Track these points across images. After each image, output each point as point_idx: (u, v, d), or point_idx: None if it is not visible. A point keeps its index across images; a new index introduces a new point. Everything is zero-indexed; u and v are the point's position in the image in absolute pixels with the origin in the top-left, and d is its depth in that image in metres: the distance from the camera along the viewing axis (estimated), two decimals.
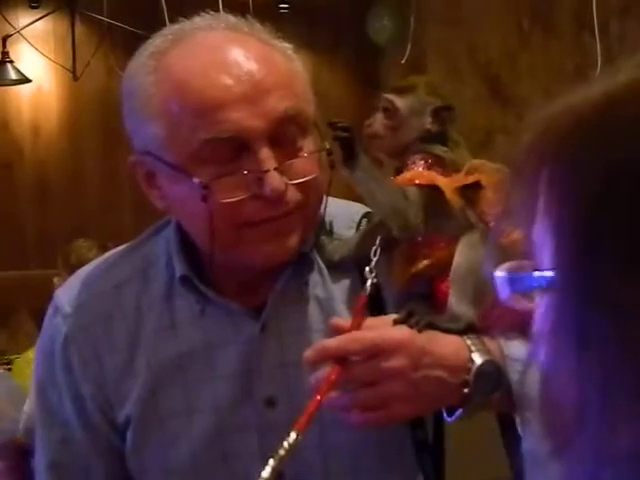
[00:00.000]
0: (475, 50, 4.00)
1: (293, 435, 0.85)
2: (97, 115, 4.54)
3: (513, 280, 0.47)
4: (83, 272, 1.11)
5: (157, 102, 0.95)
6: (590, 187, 0.42)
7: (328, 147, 0.97)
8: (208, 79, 0.93)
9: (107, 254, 1.13)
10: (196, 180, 0.93)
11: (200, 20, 1.00)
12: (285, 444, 0.84)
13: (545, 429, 0.46)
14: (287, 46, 1.00)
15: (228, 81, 0.93)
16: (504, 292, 0.48)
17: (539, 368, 0.46)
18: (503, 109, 3.93)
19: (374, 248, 0.99)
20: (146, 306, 1.05)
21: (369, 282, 0.97)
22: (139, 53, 0.98)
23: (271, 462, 0.83)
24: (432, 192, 0.98)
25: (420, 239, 0.98)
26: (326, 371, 0.89)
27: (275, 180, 0.93)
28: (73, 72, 4.49)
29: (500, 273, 0.48)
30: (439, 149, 1.01)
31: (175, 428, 1.03)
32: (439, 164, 1.00)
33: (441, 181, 0.98)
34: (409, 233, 0.98)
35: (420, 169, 1.00)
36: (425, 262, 0.97)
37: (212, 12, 1.01)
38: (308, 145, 0.97)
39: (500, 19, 3.86)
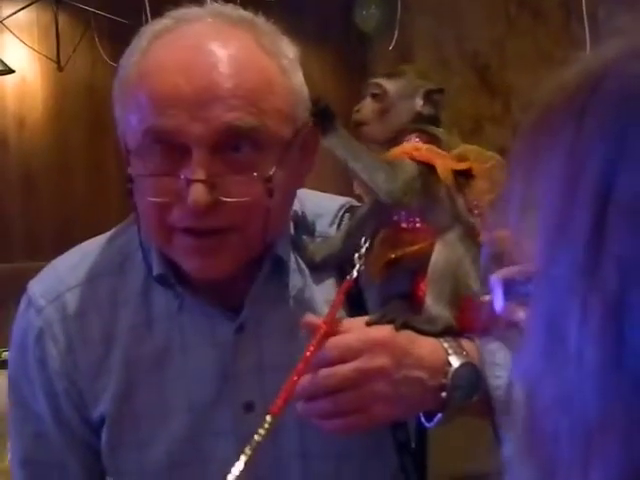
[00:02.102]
0: (463, 38, 3.98)
1: (268, 419, 0.83)
2: (82, 105, 4.51)
3: (509, 287, 0.45)
4: (57, 263, 1.08)
5: (130, 85, 0.94)
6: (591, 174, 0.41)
7: (272, 173, 0.91)
8: (163, 75, 0.91)
9: (82, 244, 1.10)
10: (129, 172, 0.92)
11: (202, 9, 0.97)
12: (261, 431, 0.83)
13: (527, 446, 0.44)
14: (290, 57, 0.96)
15: (179, 80, 0.90)
16: (498, 301, 0.46)
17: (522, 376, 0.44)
18: (491, 97, 3.91)
19: (364, 237, 0.97)
20: (122, 300, 1.03)
21: (357, 267, 0.95)
22: (142, 32, 0.97)
23: (247, 450, 0.82)
24: (426, 170, 0.95)
25: (404, 225, 0.95)
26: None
27: (197, 192, 0.89)
28: (57, 62, 4.45)
29: (496, 280, 0.46)
30: (435, 129, 0.98)
31: (151, 428, 1.01)
32: (435, 144, 0.97)
33: (438, 161, 0.95)
34: (396, 198, 0.94)
35: (417, 143, 0.96)
36: (405, 249, 0.95)
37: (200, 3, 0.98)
38: (261, 164, 0.92)
39: (488, 7, 3.84)
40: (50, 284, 1.05)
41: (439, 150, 0.96)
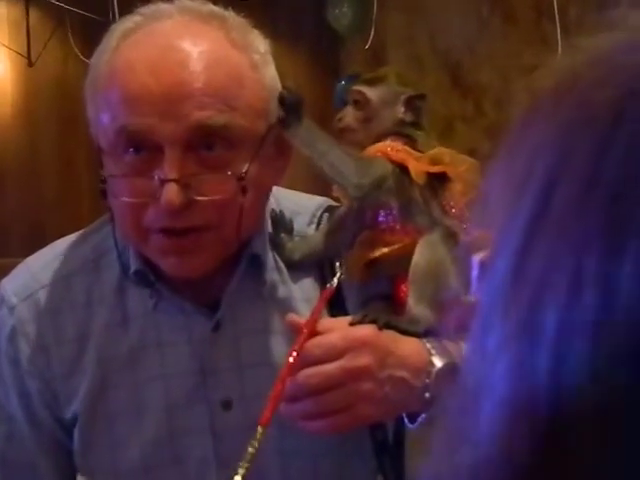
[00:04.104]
0: (435, 38, 4.00)
1: (260, 430, 0.83)
2: (53, 102, 4.47)
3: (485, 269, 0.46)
4: (31, 261, 1.07)
5: (100, 83, 0.94)
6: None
7: (245, 171, 0.91)
8: (133, 74, 0.91)
9: (55, 243, 1.09)
10: (102, 173, 0.92)
11: (173, 6, 0.97)
12: (254, 442, 0.83)
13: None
14: (261, 51, 0.95)
15: (150, 79, 0.90)
16: (476, 283, 0.47)
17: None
18: (463, 97, 3.93)
19: (346, 241, 0.97)
20: (97, 299, 1.02)
21: (338, 274, 0.95)
22: (112, 29, 0.96)
23: (243, 463, 0.83)
24: (399, 171, 0.95)
25: (383, 225, 0.96)
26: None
27: (171, 192, 0.88)
28: (28, 58, 4.41)
29: (476, 261, 0.47)
30: (413, 132, 0.99)
31: (125, 428, 1.00)
32: (411, 145, 0.98)
33: (411, 163, 0.95)
34: (364, 192, 0.94)
35: (392, 143, 0.97)
36: (384, 250, 0.95)
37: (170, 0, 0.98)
38: (233, 162, 0.91)
39: (460, 6, 3.86)
40: (23, 282, 1.04)
41: (413, 151, 0.96)
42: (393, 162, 0.95)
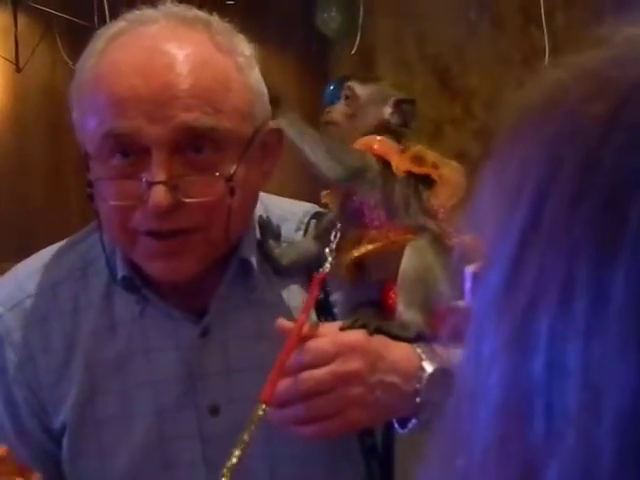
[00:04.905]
0: (424, 42, 4.00)
1: (262, 407, 0.84)
2: (41, 107, 4.45)
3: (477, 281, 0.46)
4: (17, 270, 1.07)
5: (86, 88, 0.94)
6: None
7: (232, 172, 0.92)
8: (119, 77, 0.91)
9: (42, 251, 1.09)
10: (88, 177, 0.92)
11: (158, 11, 0.97)
12: (253, 422, 0.84)
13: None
14: (246, 54, 0.96)
15: (136, 81, 0.90)
16: (468, 294, 0.47)
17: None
18: (451, 100, 3.94)
19: (333, 231, 0.98)
20: (84, 306, 1.02)
21: (329, 260, 0.95)
22: (98, 35, 0.97)
23: (245, 437, 0.83)
24: (382, 166, 0.96)
25: (369, 223, 0.96)
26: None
27: (158, 194, 0.88)
28: (16, 64, 4.39)
29: (468, 273, 0.47)
30: (401, 131, 0.99)
31: (113, 435, 1.00)
32: (398, 141, 0.99)
33: (394, 157, 0.96)
34: (341, 179, 0.94)
35: (378, 138, 0.98)
36: (369, 246, 0.95)
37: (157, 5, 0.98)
38: (220, 164, 0.92)
39: (448, 11, 3.87)
40: (9, 291, 1.04)
41: (397, 146, 0.97)
42: (376, 156, 0.96)
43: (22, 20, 4.46)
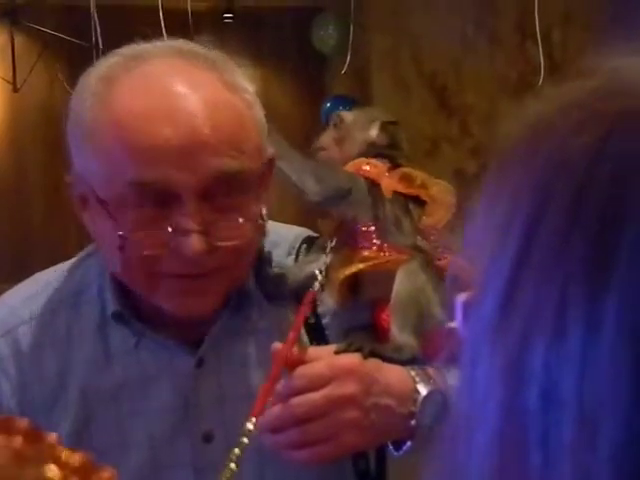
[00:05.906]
0: (421, 60, 4.02)
1: (253, 420, 0.84)
2: (39, 127, 4.46)
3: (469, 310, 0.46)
4: (8, 296, 1.06)
5: (95, 133, 0.90)
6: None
7: (259, 211, 0.92)
8: (146, 124, 0.88)
9: (35, 276, 1.08)
10: (116, 229, 0.89)
11: (156, 47, 0.94)
12: (244, 438, 0.84)
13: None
14: (250, 90, 0.94)
15: (166, 130, 0.87)
16: (460, 323, 0.47)
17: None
18: (448, 118, 3.95)
19: (328, 245, 0.98)
20: (77, 334, 1.00)
21: (319, 278, 0.95)
22: (90, 72, 0.93)
23: (236, 451, 0.83)
24: (371, 186, 0.97)
25: (360, 244, 0.96)
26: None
27: (197, 243, 0.88)
28: (13, 83, 4.40)
29: (459, 302, 0.47)
30: (391, 152, 1.01)
31: (108, 463, 0.99)
32: (390, 163, 1.00)
33: (384, 179, 0.97)
34: (323, 199, 0.95)
35: (368, 160, 0.99)
36: (360, 266, 0.95)
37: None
38: (247, 205, 0.92)
39: (445, 28, 3.89)
40: (1, 317, 1.03)
41: (386, 166, 0.98)
42: (366, 177, 0.97)
43: (19, 40, 4.48)
